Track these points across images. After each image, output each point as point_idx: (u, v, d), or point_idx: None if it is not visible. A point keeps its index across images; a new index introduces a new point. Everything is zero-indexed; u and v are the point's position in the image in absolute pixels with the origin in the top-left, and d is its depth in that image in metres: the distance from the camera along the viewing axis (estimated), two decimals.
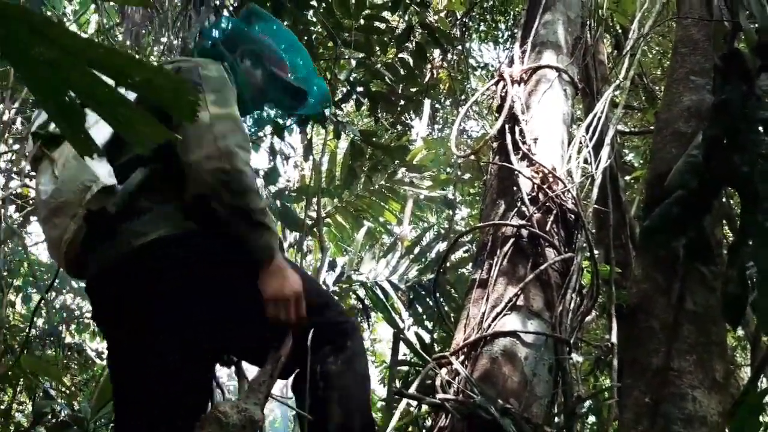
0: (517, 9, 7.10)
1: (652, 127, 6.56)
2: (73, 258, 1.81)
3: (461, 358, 2.30)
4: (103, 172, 1.77)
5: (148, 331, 1.71)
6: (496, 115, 2.93)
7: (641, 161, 7.59)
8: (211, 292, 1.75)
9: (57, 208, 1.79)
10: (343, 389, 1.81)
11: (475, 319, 2.40)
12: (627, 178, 6.59)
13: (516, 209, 2.58)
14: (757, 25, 1.62)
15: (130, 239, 1.73)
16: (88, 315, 7.84)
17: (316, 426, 1.76)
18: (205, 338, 1.74)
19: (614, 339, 3.19)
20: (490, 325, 2.32)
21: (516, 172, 2.63)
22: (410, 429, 2.47)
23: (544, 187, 2.57)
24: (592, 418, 4.35)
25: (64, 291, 7.42)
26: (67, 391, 5.12)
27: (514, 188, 2.63)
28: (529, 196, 2.56)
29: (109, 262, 1.75)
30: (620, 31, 5.63)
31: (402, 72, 5.25)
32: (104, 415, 3.34)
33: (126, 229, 1.74)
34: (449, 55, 6.93)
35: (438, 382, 2.21)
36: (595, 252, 3.08)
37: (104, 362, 7.20)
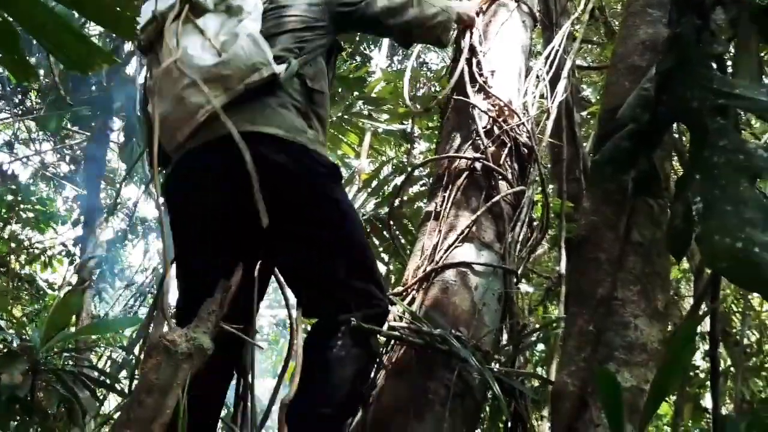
0: None
1: (608, 63, 6.58)
2: (196, 129, 1.88)
3: (415, 288, 2.33)
4: (271, 58, 1.92)
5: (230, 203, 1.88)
6: (455, 45, 2.88)
7: (598, 97, 7.62)
8: (290, 196, 1.89)
9: (214, 78, 1.88)
10: (358, 358, 1.86)
11: (428, 250, 2.42)
12: (583, 113, 6.62)
13: (471, 142, 2.58)
14: None
15: (247, 123, 1.86)
16: (39, 245, 7.69)
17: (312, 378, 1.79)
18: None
19: (563, 270, 3.29)
20: (442, 257, 2.35)
21: (472, 105, 2.61)
22: None
23: (500, 120, 2.57)
24: (541, 346, 4.50)
25: (12, 221, 7.25)
26: (17, 322, 5.06)
27: (470, 121, 2.62)
28: (485, 129, 2.55)
29: (218, 135, 1.84)
30: None
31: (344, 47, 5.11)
32: (55, 345, 3.31)
33: (248, 112, 1.89)
34: None
35: (392, 315, 2.24)
36: (549, 186, 3.12)
37: (55, 293, 7.14)
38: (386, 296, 2.00)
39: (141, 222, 8.23)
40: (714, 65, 1.54)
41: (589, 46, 7.00)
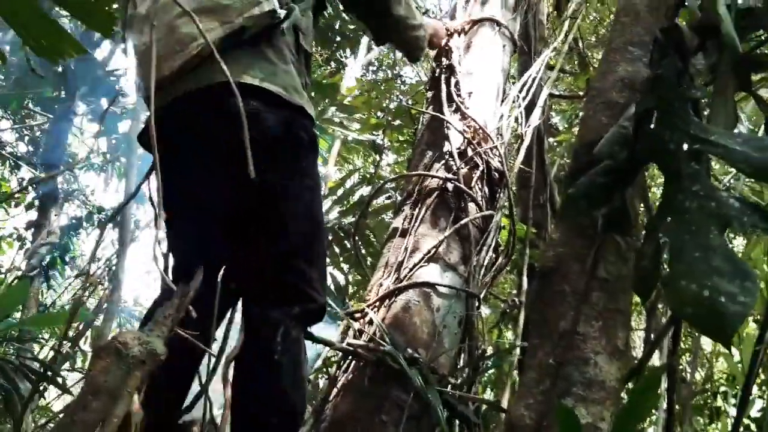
0: None
1: (581, 93, 6.68)
2: (185, 64, 1.72)
3: (376, 306, 2.30)
4: None
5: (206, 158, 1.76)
6: (433, 64, 2.88)
7: (566, 125, 7.73)
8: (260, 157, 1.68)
9: (212, 9, 1.74)
10: (296, 359, 1.77)
11: (393, 267, 2.40)
12: (551, 140, 6.70)
13: (444, 162, 2.57)
14: (700, 3, 1.63)
15: (244, 74, 1.74)
16: None
17: (258, 380, 1.72)
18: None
19: (522, 296, 3.30)
20: (406, 275, 2.33)
21: (447, 125, 2.60)
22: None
23: (474, 142, 2.56)
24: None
25: None
26: None
27: (444, 140, 2.61)
28: (458, 150, 2.55)
29: (208, 82, 1.72)
30: None
31: (341, 8, 5.08)
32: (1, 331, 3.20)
33: (245, 59, 1.77)
34: None
35: (351, 330, 2.22)
36: (515, 211, 3.14)
37: (2, 276, 6.91)
38: (326, 290, 1.90)
39: (98, 210, 8.03)
40: (691, 109, 1.55)
41: (562, 74, 7.10)
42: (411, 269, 2.33)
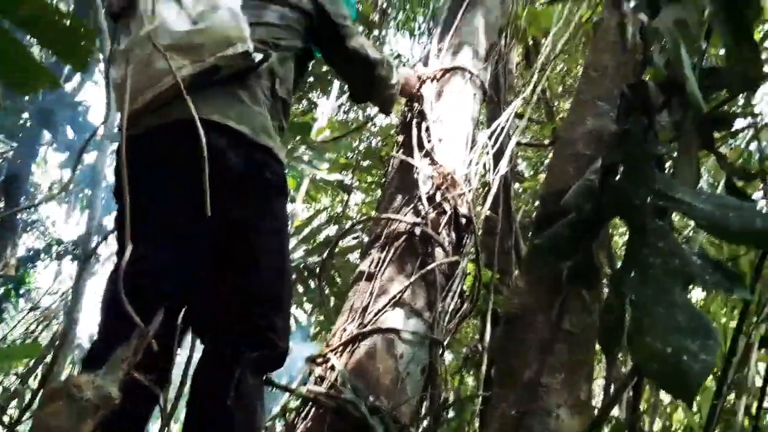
0: (437, 4, 7.12)
1: (546, 141, 6.81)
2: (157, 98, 1.74)
3: (339, 351, 2.26)
4: (248, 35, 1.82)
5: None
6: (405, 109, 2.90)
7: (532, 172, 7.86)
8: (228, 198, 1.74)
9: (186, 46, 1.76)
10: (251, 407, 1.72)
11: (357, 312, 2.37)
12: (517, 186, 6.79)
13: (412, 206, 2.57)
14: (665, 61, 1.67)
15: (216, 113, 1.76)
16: None
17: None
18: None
19: (486, 343, 3.28)
20: (371, 320, 2.30)
21: (417, 170, 2.61)
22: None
23: (443, 188, 2.57)
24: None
25: None
26: None
27: (413, 185, 2.61)
28: (427, 195, 2.55)
29: (177, 116, 1.71)
30: (531, 43, 5.76)
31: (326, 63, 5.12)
32: None
33: (218, 99, 1.79)
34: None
35: (312, 376, 2.17)
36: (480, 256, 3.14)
37: None
38: (288, 337, 1.87)
39: (57, 242, 7.84)
40: (656, 165, 1.58)
41: (530, 123, 7.24)
42: (375, 314, 2.31)
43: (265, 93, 1.94)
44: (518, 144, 5.45)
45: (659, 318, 1.28)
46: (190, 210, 1.69)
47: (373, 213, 3.51)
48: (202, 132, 1.56)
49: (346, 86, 2.69)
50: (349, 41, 2.34)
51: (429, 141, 2.67)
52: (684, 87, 1.46)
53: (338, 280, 6.45)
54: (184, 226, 1.77)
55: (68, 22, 0.72)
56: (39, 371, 6.08)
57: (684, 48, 1.35)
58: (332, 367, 2.19)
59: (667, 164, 1.66)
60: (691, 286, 1.44)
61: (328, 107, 7.23)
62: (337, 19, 2.29)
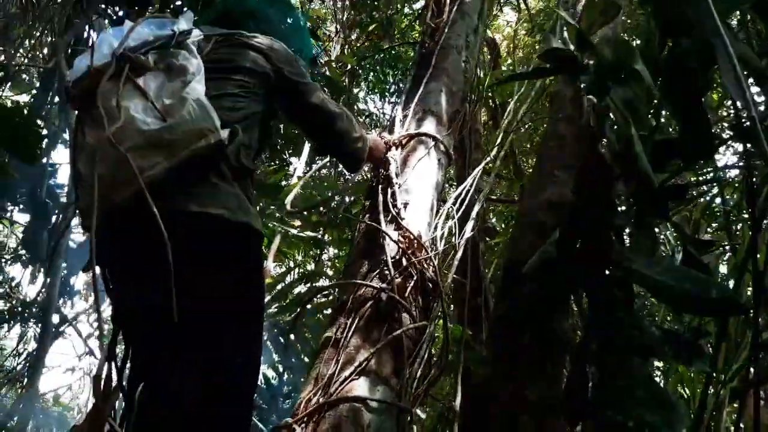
0: (406, 66, 7.29)
1: (515, 197, 6.91)
2: (131, 195, 1.72)
3: (304, 421, 2.22)
4: (219, 124, 1.82)
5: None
6: (371, 174, 2.93)
7: (503, 225, 7.94)
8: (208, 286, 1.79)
9: (158, 144, 1.75)
10: None
11: (323, 380, 2.33)
12: (488, 239, 6.85)
13: (378, 271, 2.57)
14: (617, 136, 1.71)
15: (192, 203, 1.78)
16: None
17: None
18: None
19: (458, 401, 3.24)
20: (337, 389, 2.26)
21: (383, 235, 2.62)
22: None
23: (409, 252, 2.58)
24: None
25: None
26: None
27: (379, 250, 2.62)
28: (393, 260, 2.55)
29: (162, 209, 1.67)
30: (497, 104, 5.91)
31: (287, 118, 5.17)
32: None
33: (191, 188, 1.80)
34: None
35: None
36: (450, 312, 3.13)
37: None
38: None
39: (22, 304, 7.65)
40: (614, 235, 1.61)
41: (499, 179, 7.35)
42: (342, 383, 2.27)
43: (233, 165, 1.95)
44: (488, 200, 5.52)
45: (620, 391, 1.28)
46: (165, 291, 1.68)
47: (341, 275, 3.49)
48: (162, 225, 1.61)
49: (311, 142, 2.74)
50: (309, 98, 2.37)
51: (395, 206, 2.69)
52: (635, 162, 1.50)
53: (309, 336, 6.38)
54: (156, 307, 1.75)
55: (19, 122, 0.73)
56: None
57: (633, 126, 1.39)
58: None
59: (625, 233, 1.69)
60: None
61: (300, 166, 7.26)
62: (295, 78, 2.32)
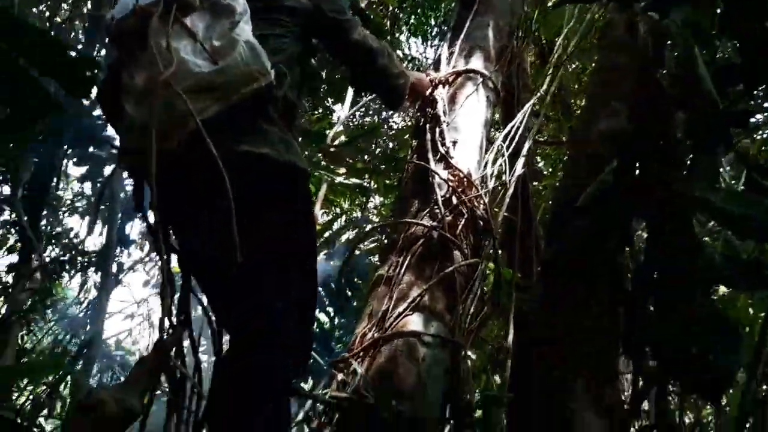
0: (448, 6, 7.12)
1: (564, 138, 6.77)
2: (179, 141, 1.75)
3: (360, 356, 2.27)
4: (269, 66, 1.85)
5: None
6: (418, 114, 2.91)
7: (550, 169, 7.82)
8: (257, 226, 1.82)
9: (209, 87, 1.76)
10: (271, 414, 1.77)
11: (378, 316, 2.38)
12: (536, 183, 6.76)
13: (428, 210, 2.58)
14: (679, 59, 1.65)
15: (241, 143, 1.81)
16: None
17: None
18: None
19: (509, 342, 3.27)
20: (392, 324, 2.31)
21: (432, 174, 2.61)
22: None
23: (459, 191, 2.57)
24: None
25: None
26: None
27: (429, 189, 2.62)
28: (443, 199, 2.56)
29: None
30: (545, 42, 5.74)
31: (328, 56, 5.14)
32: None
33: (239, 129, 1.82)
34: None
35: (335, 382, 2.18)
36: (501, 254, 3.13)
37: None
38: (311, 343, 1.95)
39: (81, 254, 7.94)
40: (673, 164, 1.57)
41: (546, 121, 7.20)
42: (396, 319, 2.31)
43: (280, 108, 1.97)
44: (536, 142, 5.43)
45: (683, 320, 1.27)
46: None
47: (391, 214, 3.52)
48: (221, 165, 1.64)
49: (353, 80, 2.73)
50: (350, 34, 2.38)
51: (443, 145, 2.68)
52: (698, 84, 1.46)
53: (358, 281, 6.48)
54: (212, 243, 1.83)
55: (71, 54, 0.74)
56: (68, 380, 6.16)
57: (696, 47, 1.34)
58: (354, 372, 2.20)
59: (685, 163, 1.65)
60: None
61: (344, 113, 7.24)
62: (335, 15, 2.32)
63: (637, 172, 1.53)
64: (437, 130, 2.73)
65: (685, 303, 1.30)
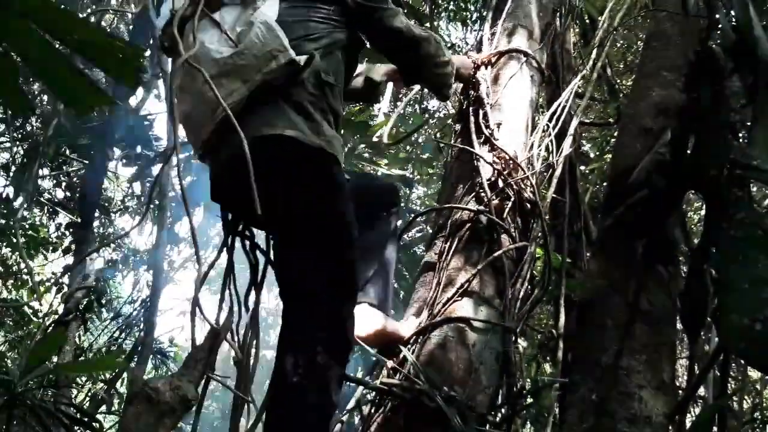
0: None
1: (611, 120, 6.61)
2: (220, 124, 1.83)
3: (410, 343, 2.26)
4: (288, 44, 1.88)
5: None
6: (461, 97, 2.86)
7: (597, 152, 7.65)
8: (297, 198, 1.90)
9: (232, 70, 1.84)
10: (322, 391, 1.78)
11: (426, 302, 2.36)
12: (582, 168, 6.63)
13: (474, 194, 2.54)
14: (734, 24, 1.58)
15: (267, 127, 1.86)
16: (26, 271, 7.57)
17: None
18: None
19: (561, 329, 3.21)
20: (440, 311, 2.28)
21: (477, 157, 2.57)
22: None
23: (504, 173, 2.53)
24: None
25: (2, 245, 7.16)
26: None
27: (474, 173, 2.58)
28: (489, 182, 2.51)
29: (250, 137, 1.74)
30: (588, 20, 5.61)
31: (368, 46, 5.12)
32: (34, 379, 3.20)
33: (267, 113, 1.88)
34: None
35: (385, 368, 2.17)
36: (549, 238, 3.07)
37: (40, 320, 7.01)
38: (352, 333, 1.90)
39: (133, 253, 8.13)
40: (730, 133, 1.50)
41: (591, 102, 7.05)
42: (444, 304, 2.29)
43: (309, 88, 1.97)
44: (581, 124, 5.32)
45: (745, 294, 1.21)
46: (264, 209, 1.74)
47: (435, 204, 3.49)
48: (246, 147, 1.65)
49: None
50: (390, 22, 2.26)
51: (487, 127, 2.63)
52: (754, 50, 1.39)
53: (406, 273, 6.46)
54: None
55: (118, 44, 0.75)
56: (125, 375, 6.32)
57: (753, 9, 1.28)
58: (405, 359, 2.18)
59: (742, 132, 1.58)
60: None
61: (385, 103, 7.23)
62: (372, 3, 2.22)
63: (694, 142, 1.46)
64: (480, 112, 2.68)
65: (747, 275, 1.24)
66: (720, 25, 1.63)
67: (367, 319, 2.22)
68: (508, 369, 2.29)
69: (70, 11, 0.97)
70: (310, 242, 1.89)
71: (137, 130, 6.26)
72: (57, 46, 0.82)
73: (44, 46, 0.76)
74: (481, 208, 2.47)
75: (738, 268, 1.26)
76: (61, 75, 0.81)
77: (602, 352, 1.68)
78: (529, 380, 3.78)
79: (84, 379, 6.35)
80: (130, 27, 7.62)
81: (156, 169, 6.90)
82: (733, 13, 1.64)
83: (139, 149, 6.79)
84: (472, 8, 7.69)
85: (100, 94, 0.83)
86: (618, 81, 6.90)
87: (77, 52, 0.81)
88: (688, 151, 1.52)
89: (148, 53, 5.71)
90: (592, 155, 7.63)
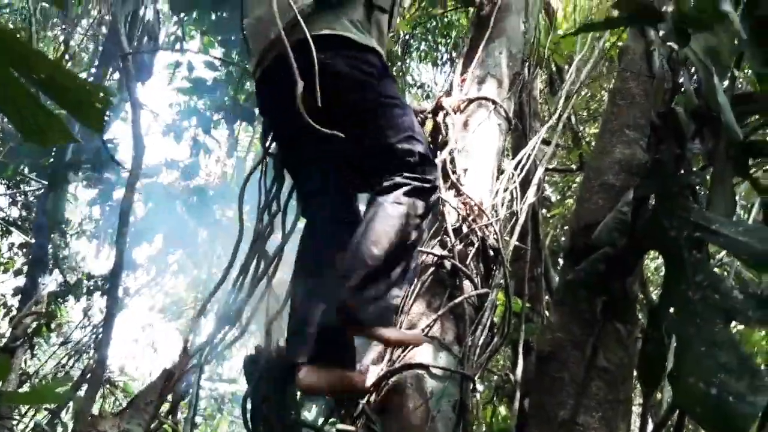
0: (459, 34, 7.15)
1: (573, 166, 6.74)
2: (284, 27, 1.98)
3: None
4: None
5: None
6: (429, 140, 2.88)
7: (559, 197, 7.78)
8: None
9: None
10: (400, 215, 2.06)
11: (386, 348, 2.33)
12: (545, 212, 6.72)
13: (439, 238, 2.54)
14: (697, 88, 1.63)
15: (326, 27, 2.17)
16: None
17: None
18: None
19: (518, 375, 3.21)
20: (400, 356, 2.26)
21: (443, 202, 2.58)
22: None
23: (469, 219, 2.54)
24: None
25: None
26: None
27: (440, 217, 2.58)
28: (453, 227, 2.52)
29: (297, 36, 2.00)
30: (555, 69, 5.75)
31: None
32: None
33: (328, 17, 2.21)
34: None
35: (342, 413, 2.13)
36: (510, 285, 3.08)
37: None
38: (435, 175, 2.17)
39: (87, 277, 7.92)
40: (690, 195, 1.53)
41: (556, 149, 7.19)
42: (404, 350, 2.26)
43: (362, 13, 2.29)
44: (546, 170, 5.40)
45: (701, 357, 1.22)
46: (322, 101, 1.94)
47: None
48: (312, 42, 1.93)
49: None
50: None
51: (454, 172, 2.65)
52: (716, 115, 1.42)
53: None
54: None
55: (86, 86, 0.74)
56: (71, 405, 6.10)
57: (716, 76, 1.31)
58: (361, 405, 2.15)
59: (702, 193, 1.61)
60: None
61: None
62: None
63: (654, 203, 1.49)
64: (448, 157, 2.70)
65: (704, 339, 1.25)
66: (683, 89, 1.68)
67: (325, 374, 2.15)
68: (464, 417, 2.26)
69: (41, 52, 0.94)
70: (372, 120, 2.16)
71: (101, 154, 6.16)
72: (20, 80, 0.80)
73: (5, 74, 0.74)
74: (446, 253, 2.47)
75: (695, 331, 1.27)
76: (22, 107, 0.79)
77: (560, 407, 1.67)
78: (484, 426, 3.76)
79: (26, 407, 6.10)
80: (100, 48, 7.55)
81: (117, 193, 6.78)
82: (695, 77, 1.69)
83: (100, 173, 6.67)
84: (443, 49, 7.82)
85: (62, 128, 0.81)
86: (581, 129, 7.06)
87: (42, 89, 0.78)
88: (649, 212, 1.54)
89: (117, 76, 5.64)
90: (553, 199, 7.75)
